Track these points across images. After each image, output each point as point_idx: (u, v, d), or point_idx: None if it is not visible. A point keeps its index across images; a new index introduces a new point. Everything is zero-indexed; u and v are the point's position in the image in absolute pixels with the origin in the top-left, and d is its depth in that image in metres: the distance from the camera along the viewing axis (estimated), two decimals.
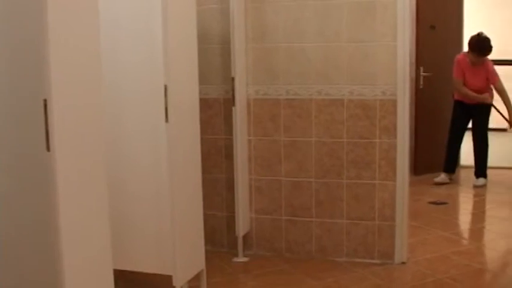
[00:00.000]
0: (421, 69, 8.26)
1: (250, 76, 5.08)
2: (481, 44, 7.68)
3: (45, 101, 2.71)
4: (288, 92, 5.02)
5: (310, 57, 4.95)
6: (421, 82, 8.30)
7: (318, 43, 4.93)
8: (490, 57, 7.90)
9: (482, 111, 7.87)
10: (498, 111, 8.05)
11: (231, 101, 4.96)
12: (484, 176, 7.98)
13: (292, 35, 4.98)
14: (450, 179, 8.15)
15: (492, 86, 7.80)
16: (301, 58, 4.97)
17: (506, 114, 7.93)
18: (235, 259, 5.16)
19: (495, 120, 8.32)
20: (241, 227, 5.08)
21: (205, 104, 5.03)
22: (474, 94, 7.77)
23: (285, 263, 5.09)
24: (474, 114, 7.90)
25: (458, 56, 7.89)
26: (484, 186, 7.90)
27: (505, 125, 8.17)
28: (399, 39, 4.79)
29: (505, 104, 7.80)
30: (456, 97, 7.98)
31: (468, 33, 8.37)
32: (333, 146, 4.98)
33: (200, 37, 4.47)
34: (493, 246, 5.72)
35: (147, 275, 4.37)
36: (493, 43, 7.83)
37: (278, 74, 5.03)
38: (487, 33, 7.89)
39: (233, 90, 4.92)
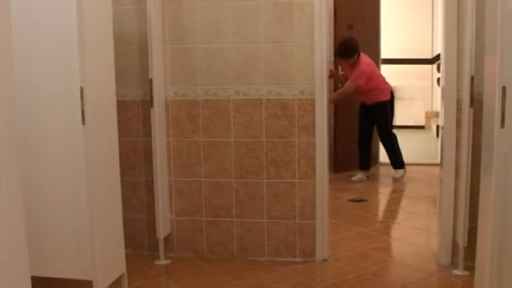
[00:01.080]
0: (340, 68, 8.37)
1: (168, 77, 5.05)
2: (340, 48, 7.96)
3: None
4: (206, 93, 5.01)
5: (228, 57, 4.95)
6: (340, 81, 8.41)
7: (235, 43, 4.93)
8: (405, 56, 8.09)
9: (379, 109, 8.08)
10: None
11: (149, 103, 4.91)
12: (401, 167, 8.19)
13: (209, 35, 4.96)
14: (367, 176, 8.32)
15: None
16: (218, 59, 4.96)
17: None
18: (157, 262, 5.11)
19: (413, 118, 8.53)
20: (162, 229, 5.04)
21: (123, 106, 4.97)
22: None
23: (207, 264, 5.08)
24: (374, 113, 8.09)
25: None
26: (403, 177, 8.11)
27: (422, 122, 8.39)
28: (316, 39, 4.83)
29: (334, 93, 8.16)
30: (358, 99, 8.19)
31: (385, 32, 8.55)
32: (252, 146, 4.99)
33: (117, 38, 4.43)
34: (411, 241, 5.82)
35: (67, 281, 4.29)
36: (408, 43, 8.02)
37: (196, 75, 5.01)
38: (403, 33, 8.09)
39: (151, 91, 4.86)
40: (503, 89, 3.27)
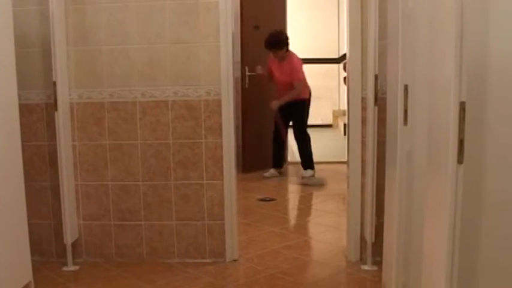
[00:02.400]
0: (247, 68, 8.42)
1: (72, 80, 4.96)
2: (269, 38, 8.07)
3: None
4: (111, 95, 4.94)
5: (133, 59, 4.90)
6: (247, 81, 8.46)
7: (141, 45, 4.88)
8: (312, 55, 8.23)
9: (298, 108, 8.20)
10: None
11: (53, 106, 4.81)
12: (311, 167, 8.30)
13: (114, 36, 4.90)
14: (279, 173, 8.43)
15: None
16: (124, 60, 4.91)
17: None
18: (65, 268, 5.00)
19: (320, 117, 8.65)
20: (70, 234, 4.94)
21: (26, 109, 4.86)
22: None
23: (117, 268, 5.01)
24: (292, 112, 8.20)
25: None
26: (312, 177, 8.20)
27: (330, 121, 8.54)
28: (222, 40, 4.84)
29: (287, 94, 8.14)
30: (276, 96, 8.30)
31: (292, 32, 8.65)
32: (159, 148, 4.95)
33: (18, 40, 4.33)
34: (321, 238, 5.90)
35: None
36: (314, 43, 8.15)
37: (101, 77, 4.94)
38: (310, 33, 8.23)
39: (55, 94, 4.76)
40: (406, 87, 3.34)
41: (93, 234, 5.13)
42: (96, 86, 4.96)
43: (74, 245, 5.05)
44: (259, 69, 8.36)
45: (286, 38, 8.12)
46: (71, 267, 5.01)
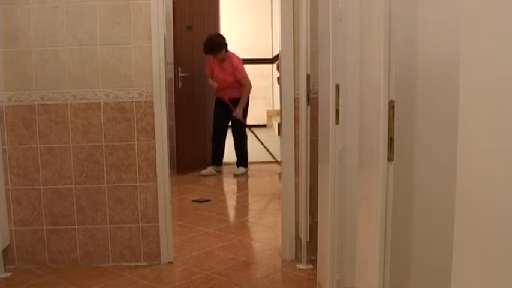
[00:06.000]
0: (179, 69, 8.41)
1: (1, 82, 4.84)
2: (207, 43, 8.21)
3: None
4: (42, 98, 4.85)
5: (64, 60, 4.82)
6: (180, 82, 8.45)
7: (71, 46, 4.81)
8: (246, 56, 8.30)
9: (237, 107, 8.28)
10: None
11: None
12: (244, 165, 8.40)
13: (44, 38, 4.81)
14: (218, 171, 8.48)
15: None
16: (54, 62, 4.82)
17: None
18: None
19: (255, 117, 8.69)
20: (0, 240, 4.83)
21: None
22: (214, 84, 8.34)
23: (50, 274, 4.92)
24: (231, 111, 8.27)
25: None
26: (245, 174, 8.36)
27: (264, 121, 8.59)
28: (154, 41, 4.81)
29: (242, 97, 8.28)
30: (215, 95, 8.35)
31: (226, 33, 8.69)
32: (91, 151, 4.89)
33: None
34: (256, 238, 5.91)
35: None
36: (248, 44, 8.21)
37: (31, 79, 4.84)
38: (244, 33, 8.30)
39: None
40: (337, 87, 3.38)
41: (25, 239, 5.03)
42: (26, 89, 4.86)
43: (5, 251, 4.94)
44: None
45: (223, 40, 8.23)
46: (3, 275, 4.90)
